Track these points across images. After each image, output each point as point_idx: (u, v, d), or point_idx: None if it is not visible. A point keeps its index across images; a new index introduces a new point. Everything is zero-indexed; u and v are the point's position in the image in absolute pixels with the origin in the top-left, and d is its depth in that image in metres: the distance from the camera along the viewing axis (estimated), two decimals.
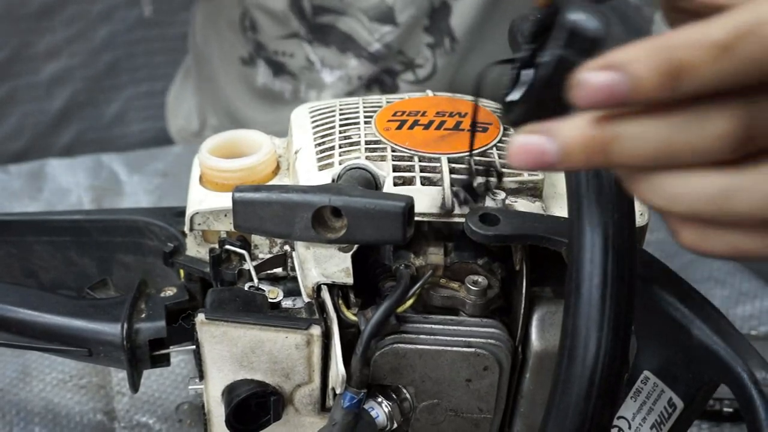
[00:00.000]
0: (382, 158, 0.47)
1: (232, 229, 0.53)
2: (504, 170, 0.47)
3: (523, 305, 0.45)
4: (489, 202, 0.45)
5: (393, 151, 0.48)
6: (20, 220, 0.65)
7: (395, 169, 0.46)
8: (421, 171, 0.46)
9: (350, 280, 0.46)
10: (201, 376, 0.48)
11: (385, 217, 0.41)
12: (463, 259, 0.46)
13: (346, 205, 0.41)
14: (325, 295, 0.46)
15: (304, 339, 0.45)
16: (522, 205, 0.46)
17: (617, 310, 0.35)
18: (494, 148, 0.48)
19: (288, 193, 0.42)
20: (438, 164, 0.47)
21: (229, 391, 0.47)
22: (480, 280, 0.46)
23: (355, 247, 0.46)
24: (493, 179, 0.46)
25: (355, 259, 0.50)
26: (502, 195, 0.45)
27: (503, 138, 0.49)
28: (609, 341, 0.35)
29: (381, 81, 0.99)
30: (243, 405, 0.47)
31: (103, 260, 0.67)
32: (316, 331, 0.45)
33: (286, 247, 0.52)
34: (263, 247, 0.53)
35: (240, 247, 0.52)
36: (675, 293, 0.40)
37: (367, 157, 0.47)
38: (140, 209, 0.64)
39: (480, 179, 0.46)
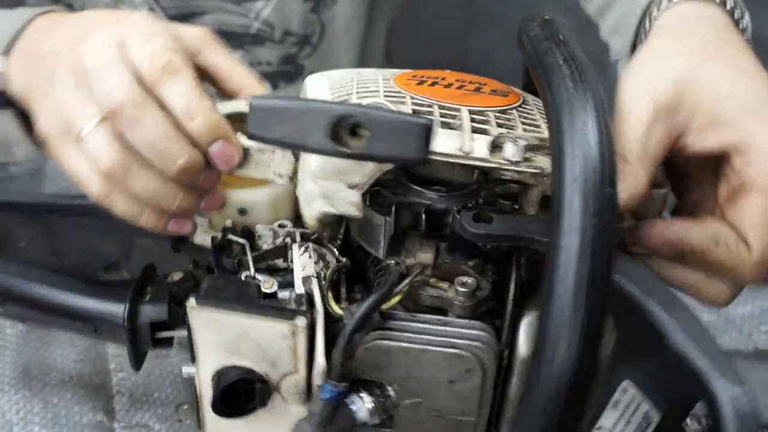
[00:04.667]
0: (402, 103, 0.46)
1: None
2: (526, 126, 0.46)
3: (509, 309, 0.45)
4: (509, 148, 0.43)
5: (413, 99, 0.47)
6: (47, 202, 0.68)
7: (415, 113, 0.45)
8: (441, 117, 0.46)
9: (359, 214, 0.45)
10: (193, 359, 0.49)
11: (406, 132, 0.39)
12: (454, 259, 0.46)
13: (368, 115, 0.39)
14: (314, 287, 0.46)
15: (289, 329, 0.45)
16: (541, 161, 0.44)
17: (588, 315, 0.35)
18: (515, 110, 0.48)
19: (307, 102, 0.41)
20: (458, 113, 0.46)
21: (218, 376, 0.48)
22: (469, 281, 0.45)
23: (366, 186, 0.45)
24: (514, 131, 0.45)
25: (355, 255, 0.51)
26: (524, 142, 0.43)
27: (524, 104, 0.49)
28: (578, 345, 0.35)
29: (284, 72, 0.94)
30: (232, 390, 0.48)
31: (124, 243, 0.69)
32: (300, 322, 0.45)
33: (288, 239, 0.53)
34: (267, 238, 0.54)
35: (242, 237, 0.53)
36: (659, 302, 0.39)
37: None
38: None
39: (501, 130, 0.45)
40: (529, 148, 0.44)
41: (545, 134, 0.45)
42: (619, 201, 0.40)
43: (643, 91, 0.45)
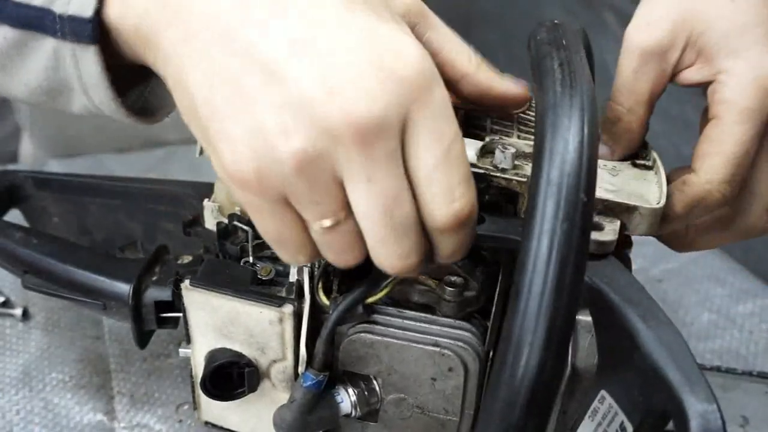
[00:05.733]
0: None
1: None
2: (522, 133, 0.46)
3: (494, 309, 0.44)
4: (497, 154, 0.43)
5: None
6: (78, 182, 0.70)
7: None
8: None
9: None
10: (188, 340, 0.50)
11: None
12: None
13: None
14: (305, 276, 0.47)
15: (276, 316, 0.46)
16: (530, 169, 0.44)
17: (551, 321, 0.34)
18: (516, 116, 0.48)
19: None
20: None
21: (209, 358, 0.49)
22: (456, 280, 0.45)
23: None
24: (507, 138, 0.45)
25: None
26: (512, 150, 0.43)
27: (527, 111, 0.48)
28: (540, 351, 0.34)
29: None
30: (222, 372, 0.49)
31: (149, 225, 0.71)
32: (287, 309, 0.46)
33: None
34: None
35: (248, 224, 0.54)
36: (638, 313, 0.38)
37: None
38: (182, 182, 0.67)
39: (494, 136, 0.45)
40: (521, 155, 0.44)
41: None
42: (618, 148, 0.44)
43: (636, 33, 0.46)
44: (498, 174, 0.43)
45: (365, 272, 0.49)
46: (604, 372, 0.41)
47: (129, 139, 0.97)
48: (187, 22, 0.36)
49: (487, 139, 0.44)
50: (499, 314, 0.45)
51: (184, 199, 0.66)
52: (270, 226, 0.37)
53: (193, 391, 0.53)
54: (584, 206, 0.36)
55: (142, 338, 0.56)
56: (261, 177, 0.34)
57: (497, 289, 0.44)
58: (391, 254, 0.36)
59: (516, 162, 0.43)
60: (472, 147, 0.44)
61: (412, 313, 0.46)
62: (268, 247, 0.54)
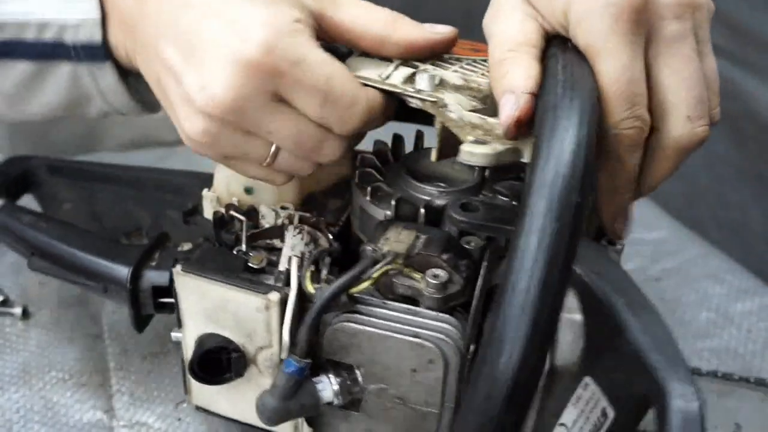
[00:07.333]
0: None
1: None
2: (461, 71, 0.47)
3: (475, 302, 0.45)
4: (418, 78, 0.45)
5: None
6: (89, 169, 0.72)
7: None
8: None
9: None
10: (179, 324, 0.51)
11: None
12: (429, 251, 0.47)
13: None
14: (293, 265, 0.48)
15: (263, 303, 0.47)
16: (449, 97, 0.45)
17: (536, 318, 0.34)
18: (471, 60, 0.49)
19: None
20: None
21: (198, 343, 0.50)
22: (440, 274, 0.46)
23: None
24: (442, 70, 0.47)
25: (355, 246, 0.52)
26: (433, 74, 0.45)
27: (483, 61, 0.50)
28: (522, 347, 0.34)
29: None
30: (212, 358, 0.50)
31: (156, 214, 0.73)
32: (274, 297, 0.47)
33: (286, 220, 0.55)
34: (269, 218, 0.56)
35: (245, 215, 0.55)
36: (625, 301, 0.39)
37: None
38: (188, 172, 0.68)
39: (427, 66, 0.47)
40: (449, 86, 0.45)
41: (478, 79, 0.46)
42: (518, 87, 0.42)
43: None
44: (413, 94, 0.45)
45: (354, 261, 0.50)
46: (589, 358, 0.41)
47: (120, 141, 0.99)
48: (140, 41, 0.47)
49: (421, 67, 0.46)
50: (479, 309, 0.45)
51: (188, 188, 0.68)
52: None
53: (184, 376, 0.54)
54: (576, 207, 0.36)
55: (140, 322, 0.57)
56: (193, 146, 0.46)
57: (479, 283, 0.45)
58: (323, 159, 0.46)
59: (440, 89, 0.45)
60: (402, 73, 0.46)
61: (396, 304, 0.47)
62: (263, 237, 0.55)
